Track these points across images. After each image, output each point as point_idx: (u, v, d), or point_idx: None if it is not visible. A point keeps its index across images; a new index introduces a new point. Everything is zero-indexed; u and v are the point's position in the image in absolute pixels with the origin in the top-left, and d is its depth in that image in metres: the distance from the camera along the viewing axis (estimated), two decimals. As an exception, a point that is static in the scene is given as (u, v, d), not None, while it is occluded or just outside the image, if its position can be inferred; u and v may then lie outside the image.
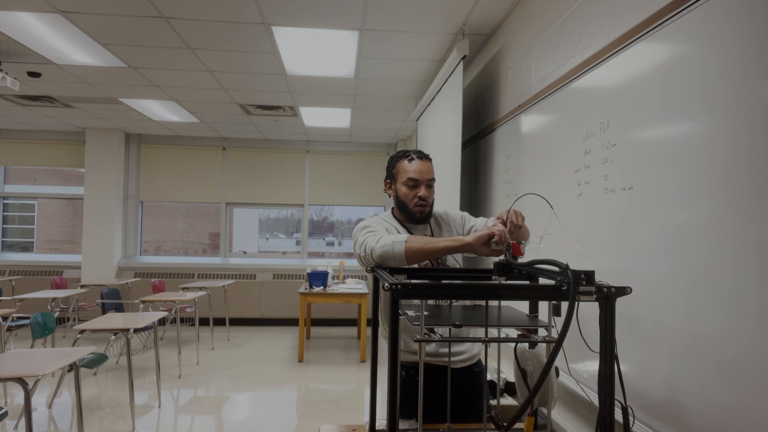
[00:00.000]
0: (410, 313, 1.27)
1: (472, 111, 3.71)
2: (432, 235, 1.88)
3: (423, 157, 1.84)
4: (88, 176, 7.11)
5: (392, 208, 1.93)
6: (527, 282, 1.35)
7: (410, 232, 1.83)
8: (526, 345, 1.31)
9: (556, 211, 2.15)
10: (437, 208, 1.93)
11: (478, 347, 1.89)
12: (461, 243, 1.46)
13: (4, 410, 2.60)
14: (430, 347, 1.79)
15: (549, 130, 2.32)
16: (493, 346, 2.09)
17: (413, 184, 1.80)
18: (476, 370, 1.88)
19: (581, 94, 1.99)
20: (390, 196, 1.91)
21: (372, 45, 3.62)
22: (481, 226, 1.85)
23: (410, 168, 1.81)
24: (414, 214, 1.82)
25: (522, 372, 1.28)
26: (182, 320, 6.91)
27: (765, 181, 1.11)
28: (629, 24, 1.66)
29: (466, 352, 1.85)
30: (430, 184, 1.83)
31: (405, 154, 1.85)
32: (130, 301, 6.36)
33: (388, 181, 1.90)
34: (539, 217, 2.26)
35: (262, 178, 7.64)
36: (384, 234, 1.65)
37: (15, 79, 4.09)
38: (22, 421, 3.60)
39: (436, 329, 1.29)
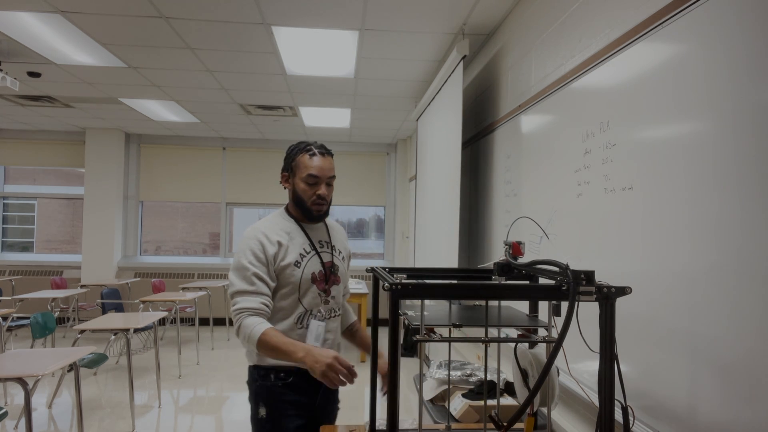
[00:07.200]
0: (410, 313, 1.27)
1: (472, 111, 3.71)
2: (328, 236, 1.85)
3: (325, 153, 1.76)
4: (88, 176, 7.11)
5: (286, 206, 1.83)
6: (527, 282, 1.35)
7: (305, 232, 1.78)
8: (526, 345, 1.31)
9: (550, 219, 2.16)
10: (332, 220, 1.91)
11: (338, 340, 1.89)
12: (299, 359, 1.53)
13: (4, 410, 2.60)
14: None
15: (549, 130, 2.32)
16: (493, 346, 2.09)
17: (313, 181, 1.72)
18: None
19: (581, 94, 1.99)
20: (287, 189, 1.81)
21: (372, 45, 3.62)
22: (346, 282, 1.90)
23: (311, 164, 1.72)
24: (311, 212, 1.75)
25: (522, 372, 1.28)
26: (182, 320, 6.91)
27: (764, 181, 1.11)
28: (629, 24, 1.66)
29: None
30: (330, 182, 1.76)
31: (306, 148, 1.74)
32: (130, 301, 6.36)
33: (286, 174, 1.79)
34: (539, 218, 2.27)
35: (262, 178, 7.64)
36: (255, 286, 1.64)
37: (15, 79, 4.09)
38: (22, 421, 3.60)
39: (435, 329, 1.29)
